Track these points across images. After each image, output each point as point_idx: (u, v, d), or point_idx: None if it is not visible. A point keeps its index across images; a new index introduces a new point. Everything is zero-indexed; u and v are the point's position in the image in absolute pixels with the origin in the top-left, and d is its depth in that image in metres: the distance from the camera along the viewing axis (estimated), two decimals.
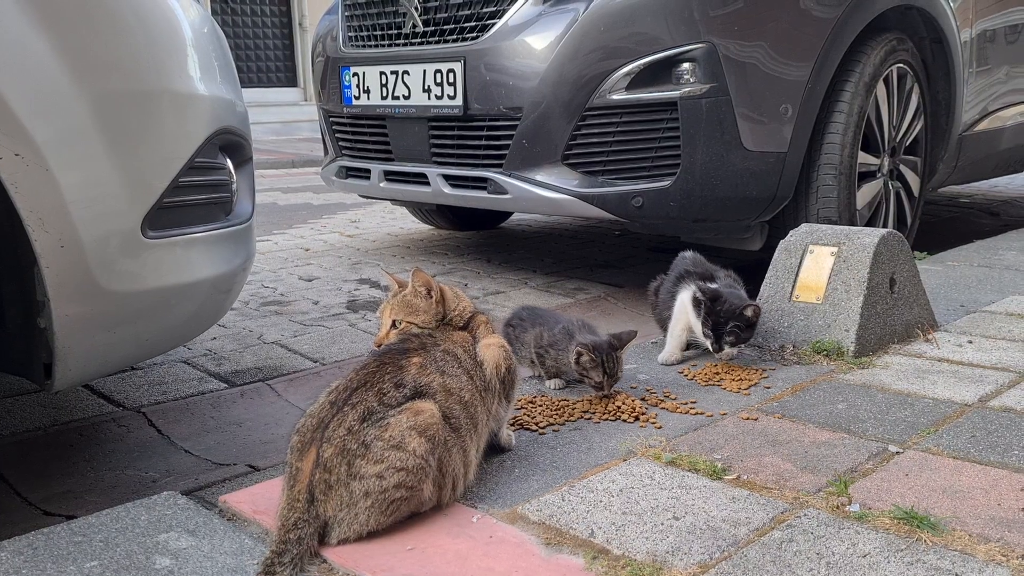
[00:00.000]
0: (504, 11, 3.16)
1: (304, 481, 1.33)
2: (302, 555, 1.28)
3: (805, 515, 1.38)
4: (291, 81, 13.35)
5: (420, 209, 4.93)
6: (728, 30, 2.93)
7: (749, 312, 2.08)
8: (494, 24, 3.19)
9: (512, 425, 1.79)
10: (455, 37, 3.31)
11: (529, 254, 4.45)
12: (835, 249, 2.28)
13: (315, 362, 2.74)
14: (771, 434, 1.72)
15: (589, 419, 1.84)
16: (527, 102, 3.09)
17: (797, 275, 2.32)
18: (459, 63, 3.25)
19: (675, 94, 2.94)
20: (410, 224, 5.36)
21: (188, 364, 2.73)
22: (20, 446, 2.12)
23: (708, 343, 2.12)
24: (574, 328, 2.01)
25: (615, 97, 2.98)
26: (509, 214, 5.27)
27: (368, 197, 4.32)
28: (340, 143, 4.04)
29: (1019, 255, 3.47)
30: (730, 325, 2.08)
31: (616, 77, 2.98)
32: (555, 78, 3.04)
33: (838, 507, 1.40)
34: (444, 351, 1.51)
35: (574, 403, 1.91)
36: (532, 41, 3.09)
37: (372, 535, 1.35)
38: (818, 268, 2.28)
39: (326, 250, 4.57)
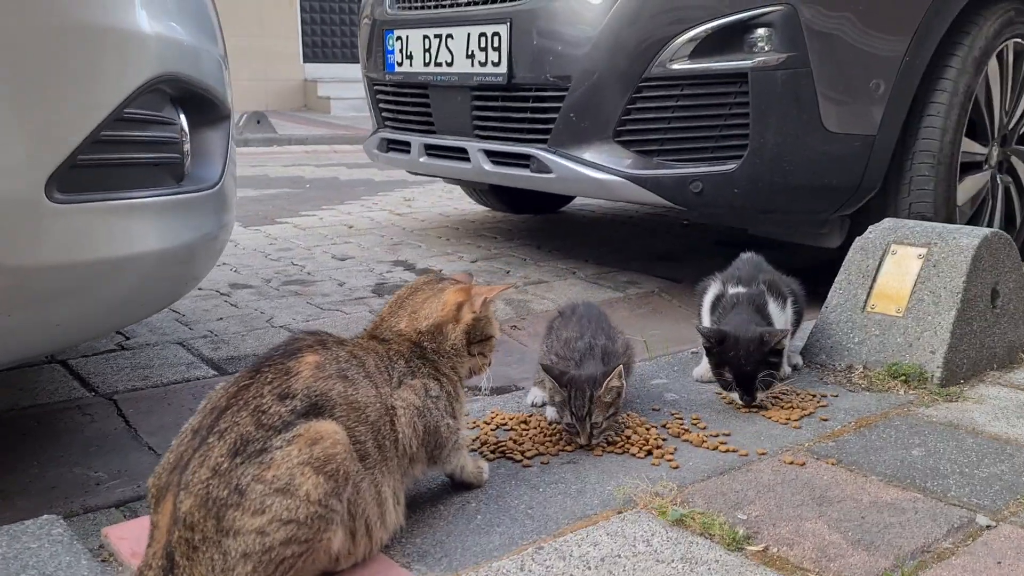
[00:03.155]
0: None
1: (161, 541, 1.00)
2: None
3: None
4: None
5: (474, 189, 4.61)
6: None
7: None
8: None
9: (494, 452, 1.45)
10: None
11: (584, 241, 4.09)
12: (924, 251, 1.86)
13: None
14: (819, 487, 1.33)
15: (590, 450, 1.48)
16: (577, 70, 2.74)
17: (874, 280, 1.90)
18: (505, 25, 2.92)
19: (746, 64, 2.55)
20: (465, 205, 5.05)
21: (182, 346, 2.48)
22: None
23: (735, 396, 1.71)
24: (597, 350, 1.55)
25: (676, 66, 2.61)
26: (571, 198, 4.90)
27: (413, 173, 4.02)
28: (383, 114, 3.74)
29: None
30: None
31: (678, 43, 2.60)
32: (609, 44, 2.68)
33: None
34: (349, 352, 1.18)
35: None
36: (584, 1, 2.73)
37: None
38: (901, 273, 1.86)
39: (370, 228, 4.30)
